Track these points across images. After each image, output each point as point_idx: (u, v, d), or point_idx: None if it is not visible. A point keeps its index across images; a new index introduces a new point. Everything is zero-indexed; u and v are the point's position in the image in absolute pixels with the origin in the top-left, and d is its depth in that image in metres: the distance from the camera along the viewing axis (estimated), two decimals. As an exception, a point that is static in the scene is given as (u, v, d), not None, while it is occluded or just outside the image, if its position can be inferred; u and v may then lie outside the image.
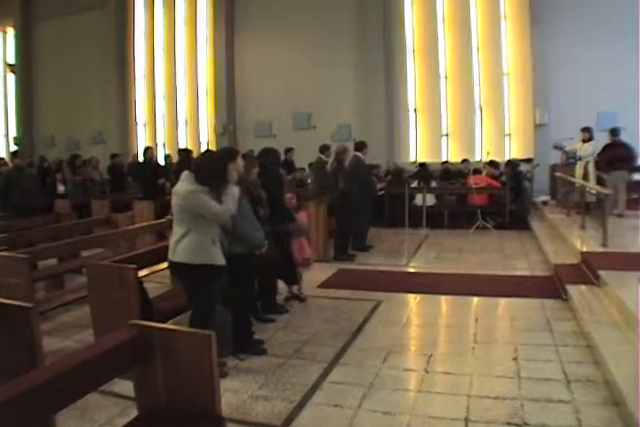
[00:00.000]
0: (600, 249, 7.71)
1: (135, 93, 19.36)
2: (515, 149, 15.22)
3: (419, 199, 12.48)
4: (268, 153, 6.33)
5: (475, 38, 15.45)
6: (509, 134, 15.30)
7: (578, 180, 10.51)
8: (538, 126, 14.59)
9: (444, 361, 4.94)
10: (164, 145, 19.15)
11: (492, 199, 12.45)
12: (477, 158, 15.03)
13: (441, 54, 15.76)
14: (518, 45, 14.96)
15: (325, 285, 7.65)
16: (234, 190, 4.51)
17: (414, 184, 12.91)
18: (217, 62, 17.73)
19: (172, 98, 18.91)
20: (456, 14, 15.61)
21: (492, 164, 13.15)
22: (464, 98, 15.58)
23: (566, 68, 14.04)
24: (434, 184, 13.22)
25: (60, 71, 19.84)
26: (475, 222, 11.99)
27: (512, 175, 12.74)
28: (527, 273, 8.11)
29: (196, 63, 18.49)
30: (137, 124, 19.44)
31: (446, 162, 14.88)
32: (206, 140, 18.43)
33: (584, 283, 6.56)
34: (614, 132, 10.90)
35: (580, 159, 11.07)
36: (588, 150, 10.87)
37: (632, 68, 13.70)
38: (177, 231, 4.49)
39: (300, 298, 6.89)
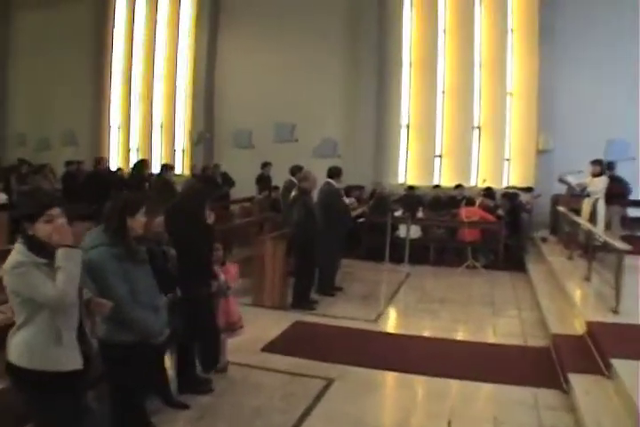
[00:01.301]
0: (610, 318, 6.29)
1: (111, 93, 17.97)
2: (514, 176, 13.81)
3: (402, 230, 11.02)
4: (191, 192, 4.89)
5: (478, 52, 14.07)
6: (509, 159, 13.90)
7: (584, 221, 9.14)
8: (541, 152, 13.20)
9: None
10: (137, 150, 17.73)
11: (485, 235, 11.00)
12: (472, 184, 13.66)
13: (440, 68, 14.36)
14: (525, 62, 13.56)
15: (271, 347, 6.18)
16: (69, 260, 2.98)
17: (399, 212, 11.44)
18: (197, 66, 16.34)
19: (149, 101, 17.50)
20: (459, 25, 14.25)
21: (488, 193, 11.78)
22: (462, 117, 14.16)
23: (576, 91, 12.64)
24: (420, 214, 11.77)
25: (34, 65, 18.37)
26: (464, 260, 10.64)
27: (509, 209, 11.34)
28: (519, 342, 6.68)
29: (175, 65, 17.11)
30: (110, 126, 18.01)
31: (438, 186, 13.52)
32: (182, 148, 17.01)
33: (590, 372, 5.17)
34: (610, 166, 10.42)
35: (588, 195, 9.79)
36: (599, 186, 9.60)
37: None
38: (16, 318, 3.09)
39: (219, 369, 5.37)
